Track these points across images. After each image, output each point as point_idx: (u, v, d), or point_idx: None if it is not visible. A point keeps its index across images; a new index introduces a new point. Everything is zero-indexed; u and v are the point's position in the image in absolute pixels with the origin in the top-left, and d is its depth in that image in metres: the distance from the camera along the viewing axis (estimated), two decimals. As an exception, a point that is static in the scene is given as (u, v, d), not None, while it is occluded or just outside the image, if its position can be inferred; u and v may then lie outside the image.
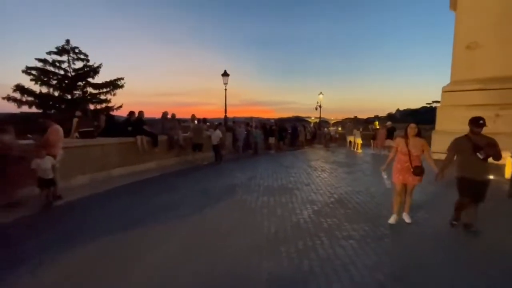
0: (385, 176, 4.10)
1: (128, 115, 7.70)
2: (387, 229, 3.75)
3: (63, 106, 14.20)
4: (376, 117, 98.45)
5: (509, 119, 9.33)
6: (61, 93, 15.04)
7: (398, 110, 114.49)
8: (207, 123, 11.95)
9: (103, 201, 5.13)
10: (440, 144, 10.53)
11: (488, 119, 9.27)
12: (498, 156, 3.44)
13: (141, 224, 3.88)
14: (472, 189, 3.45)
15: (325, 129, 19.11)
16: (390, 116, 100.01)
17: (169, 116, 9.41)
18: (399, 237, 3.57)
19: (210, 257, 2.96)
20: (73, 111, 8.53)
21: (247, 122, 14.88)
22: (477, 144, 3.48)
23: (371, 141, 14.74)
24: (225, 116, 13.26)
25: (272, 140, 13.59)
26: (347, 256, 2.99)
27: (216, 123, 12.55)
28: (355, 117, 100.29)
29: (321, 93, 20.81)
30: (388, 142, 11.59)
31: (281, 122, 19.16)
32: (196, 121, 10.12)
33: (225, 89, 13.23)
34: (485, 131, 11.57)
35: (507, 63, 9.52)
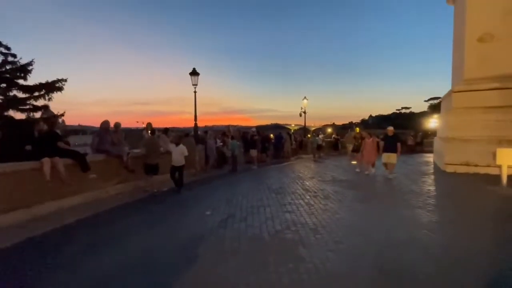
0: None
1: (33, 126, 4.94)
2: None
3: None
4: (351, 123, 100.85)
5: (537, 123, 7.83)
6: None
7: (370, 116, 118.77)
8: (171, 134, 9.31)
9: None
10: (455, 154, 8.84)
11: (510, 123, 7.61)
12: None
13: None
14: None
15: (319, 136, 17.13)
16: (363, 122, 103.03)
17: (111, 126, 6.71)
18: None
19: None
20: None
21: (223, 131, 12.43)
22: None
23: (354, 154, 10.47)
24: (195, 124, 10.72)
25: (254, 152, 11.23)
26: None
27: (182, 134, 10.00)
28: (333, 123, 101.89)
29: (305, 97, 18.93)
30: (388, 158, 8.06)
31: (262, 130, 16.95)
32: (149, 132, 7.43)
33: (195, 91, 10.73)
34: (504, 138, 8.98)
35: (531, 57, 8.09)
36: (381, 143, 8.35)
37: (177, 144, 6.91)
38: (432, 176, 8.45)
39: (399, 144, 8.11)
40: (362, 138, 9.34)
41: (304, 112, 19.18)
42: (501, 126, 8.21)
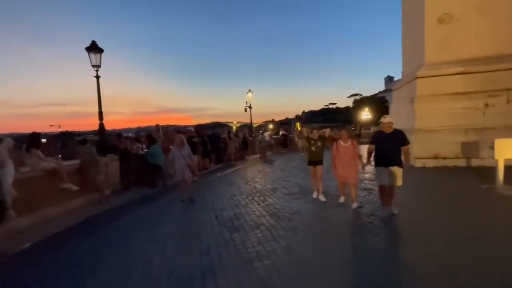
0: None
1: None
2: None
3: None
4: (287, 119, 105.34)
5: (501, 110, 7.39)
6: None
7: (304, 112, 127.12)
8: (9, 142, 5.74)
9: None
10: (423, 147, 7.93)
11: (476, 110, 6.88)
12: None
13: None
14: None
15: (266, 133, 15.04)
16: (298, 118, 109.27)
17: None
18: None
19: None
20: None
21: (148, 133, 9.16)
22: None
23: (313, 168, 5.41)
24: (100, 125, 7.24)
25: (193, 159, 8.39)
26: None
27: (80, 138, 6.59)
28: (273, 119, 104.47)
29: (249, 90, 16.72)
30: (390, 175, 4.10)
31: (202, 129, 14.12)
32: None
33: (97, 76, 7.25)
34: (470, 127, 7.84)
35: (493, 38, 7.61)
36: (371, 147, 4.35)
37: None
38: (411, 175, 7.26)
39: (406, 148, 4.11)
40: (332, 140, 5.79)
41: (250, 107, 17.01)
42: (467, 114, 7.59)
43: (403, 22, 10.59)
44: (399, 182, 4.10)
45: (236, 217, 4.63)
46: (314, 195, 5.45)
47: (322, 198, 5.26)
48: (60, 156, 9.27)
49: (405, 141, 4.14)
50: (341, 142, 4.87)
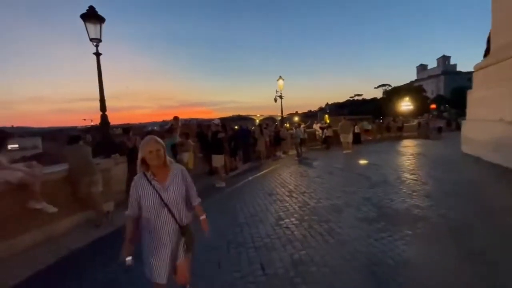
0: None
1: None
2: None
3: None
4: (310, 112, 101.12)
5: None
6: None
7: (327, 104, 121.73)
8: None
9: None
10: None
11: None
12: None
13: None
14: None
15: (300, 127, 12.87)
16: (321, 110, 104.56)
17: None
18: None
19: None
20: None
21: (168, 127, 7.52)
22: None
23: None
24: (103, 116, 5.62)
25: (219, 160, 6.61)
26: None
27: (70, 135, 4.96)
28: (296, 112, 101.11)
29: (280, 77, 14.59)
30: None
31: (228, 122, 12.34)
32: None
33: (97, 53, 5.62)
34: None
35: None
36: None
37: None
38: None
39: None
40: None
41: (280, 96, 14.87)
42: None
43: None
44: None
45: (297, 271, 2.70)
46: None
47: None
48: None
49: None
50: None
